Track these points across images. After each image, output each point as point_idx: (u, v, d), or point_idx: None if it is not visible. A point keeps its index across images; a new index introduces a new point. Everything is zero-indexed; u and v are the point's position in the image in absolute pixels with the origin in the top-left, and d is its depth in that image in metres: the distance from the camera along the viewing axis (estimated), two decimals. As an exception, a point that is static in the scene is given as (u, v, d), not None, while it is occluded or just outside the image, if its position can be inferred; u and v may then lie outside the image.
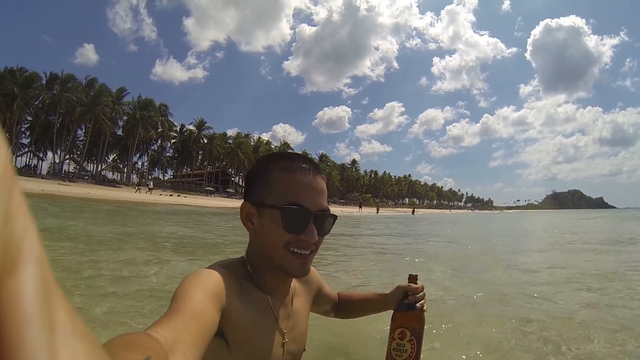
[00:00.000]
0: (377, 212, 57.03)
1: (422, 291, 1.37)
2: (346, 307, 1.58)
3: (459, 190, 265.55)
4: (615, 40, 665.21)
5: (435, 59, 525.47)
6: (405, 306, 1.35)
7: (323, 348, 2.85)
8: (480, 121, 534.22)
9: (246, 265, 1.12)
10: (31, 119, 67.85)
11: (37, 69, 72.77)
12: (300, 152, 1.22)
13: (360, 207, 66.13)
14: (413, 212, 69.54)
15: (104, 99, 66.87)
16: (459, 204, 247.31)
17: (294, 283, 1.25)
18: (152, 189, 52.15)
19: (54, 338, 0.27)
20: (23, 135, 69.55)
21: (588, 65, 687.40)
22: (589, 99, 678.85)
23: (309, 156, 1.16)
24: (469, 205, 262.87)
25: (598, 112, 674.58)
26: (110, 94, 69.16)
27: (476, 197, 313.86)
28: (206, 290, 0.88)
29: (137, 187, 53.06)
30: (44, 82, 65.16)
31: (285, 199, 1.03)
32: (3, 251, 0.25)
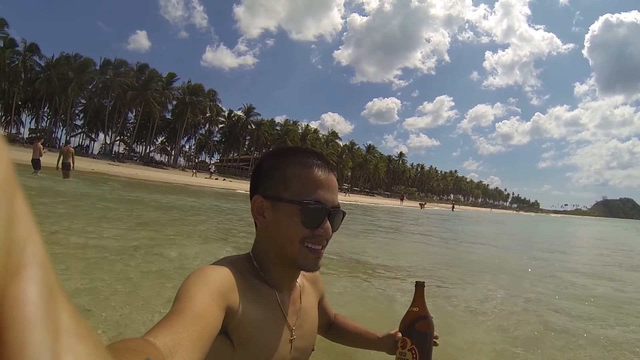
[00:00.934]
0: (422, 208, 54.28)
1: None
2: (338, 331, 1.49)
3: (505, 189, 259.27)
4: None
5: (488, 53, 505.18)
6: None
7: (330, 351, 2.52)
8: (531, 119, 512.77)
9: (252, 261, 1.10)
10: (85, 102, 70.81)
11: (92, 55, 75.57)
12: (315, 149, 1.18)
13: (401, 199, 64.46)
14: (452, 208, 67.74)
15: (154, 84, 68.97)
16: (504, 203, 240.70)
17: (302, 281, 1.24)
18: (213, 173, 52.16)
19: (57, 341, 0.27)
20: (77, 117, 73.22)
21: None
22: None
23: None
24: (515, 205, 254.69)
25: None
26: (161, 79, 71.15)
27: (522, 197, 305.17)
28: (209, 288, 0.87)
29: (194, 171, 52.72)
30: (97, 67, 67.69)
31: (304, 194, 1.03)
32: (6, 255, 0.25)
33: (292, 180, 1.04)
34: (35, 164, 16.03)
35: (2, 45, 59.35)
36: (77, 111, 71.77)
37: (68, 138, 67.56)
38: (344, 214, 1.11)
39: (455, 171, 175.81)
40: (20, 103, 66.55)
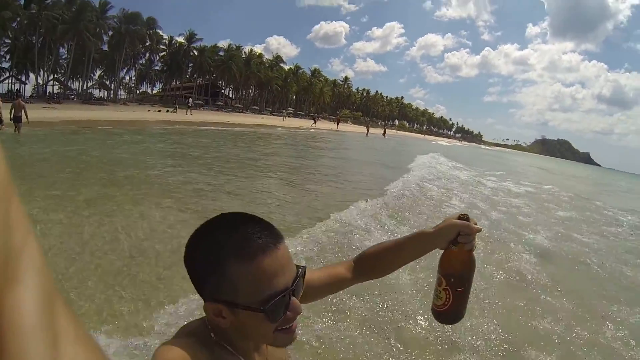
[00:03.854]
0: (367, 134, 54.90)
1: (476, 232, 1.14)
2: (370, 263, 1.27)
3: (450, 119, 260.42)
4: (636, 1, 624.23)
5: None
6: (449, 248, 1.16)
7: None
8: (481, 54, 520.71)
9: (209, 332, 0.95)
10: (10, 42, 65.05)
11: None
12: (247, 216, 0.94)
13: (337, 123, 63.13)
14: (384, 133, 64.81)
15: (87, 14, 64.04)
16: (449, 132, 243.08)
17: None
18: (191, 107, 50.13)
19: (56, 347, 0.27)
20: (3, 60, 67.30)
21: (602, 19, 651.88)
22: (596, 53, 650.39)
23: (247, 218, 0.92)
24: (458, 135, 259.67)
25: (602, 68, 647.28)
26: (94, 8, 66.14)
27: (466, 128, 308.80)
28: None
29: (174, 107, 51.74)
30: (21, 2, 62.16)
31: (259, 295, 0.87)
32: (3, 262, 0.25)
33: (239, 283, 0.88)
34: None
35: None
36: (2, 53, 65.87)
37: None
38: (304, 272, 0.97)
39: (402, 97, 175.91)
40: None
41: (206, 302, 0.91)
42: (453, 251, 1.14)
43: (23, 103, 17.27)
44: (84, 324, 0.31)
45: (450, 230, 1.14)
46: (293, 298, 0.92)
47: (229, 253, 0.87)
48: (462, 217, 1.14)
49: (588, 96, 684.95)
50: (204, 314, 0.96)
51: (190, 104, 52.07)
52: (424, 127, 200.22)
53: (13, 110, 16.55)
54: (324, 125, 61.54)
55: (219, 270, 0.87)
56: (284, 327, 0.92)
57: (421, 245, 1.19)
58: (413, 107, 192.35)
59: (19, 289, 0.26)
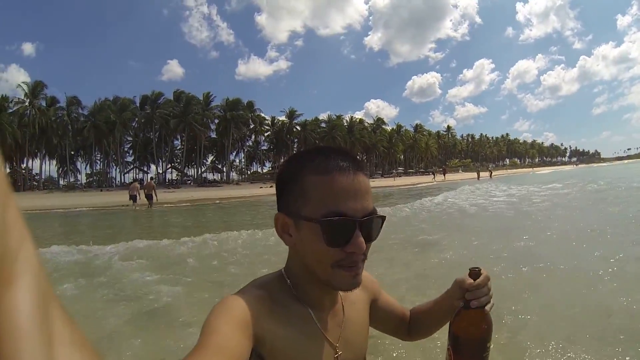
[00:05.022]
0: (479, 177, 50.34)
1: (485, 287, 1.05)
2: (418, 321, 1.27)
3: (562, 144, 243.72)
4: None
5: (519, 5, 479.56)
6: (457, 308, 1.07)
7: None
8: (577, 65, 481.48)
9: (285, 280, 1.00)
10: (131, 139, 74.09)
11: (130, 94, 78.14)
12: (338, 147, 0.99)
13: (435, 175, 59.26)
14: (490, 175, 56.06)
15: (193, 107, 70.44)
16: (563, 159, 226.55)
17: None
18: None
19: (51, 349, 0.27)
20: (127, 154, 76.46)
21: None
22: None
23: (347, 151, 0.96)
24: (574, 159, 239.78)
25: None
26: (199, 101, 72.51)
27: (581, 149, 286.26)
28: (233, 319, 0.83)
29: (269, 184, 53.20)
30: (137, 104, 70.85)
31: (324, 209, 0.88)
32: None
33: (311, 192, 0.90)
34: (134, 198, 21.69)
35: (45, 105, 63.84)
36: (126, 149, 74.98)
37: (122, 175, 73.46)
38: (382, 219, 0.96)
39: (507, 134, 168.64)
40: (72, 153, 70.48)
41: (277, 213, 0.96)
42: (460, 312, 1.04)
43: (153, 184, 22.45)
44: (79, 327, 0.32)
45: (455, 290, 1.08)
46: (359, 234, 0.89)
47: (310, 165, 0.92)
48: (473, 271, 1.06)
49: None
50: None
51: None
52: (536, 160, 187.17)
53: (145, 190, 21.19)
54: (437, 178, 57.95)
55: (297, 179, 0.92)
56: (344, 264, 0.91)
57: (443, 310, 1.15)
58: (520, 141, 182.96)
59: (14, 291, 0.26)
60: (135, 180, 39.53)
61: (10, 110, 61.38)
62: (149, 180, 25.39)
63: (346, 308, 1.06)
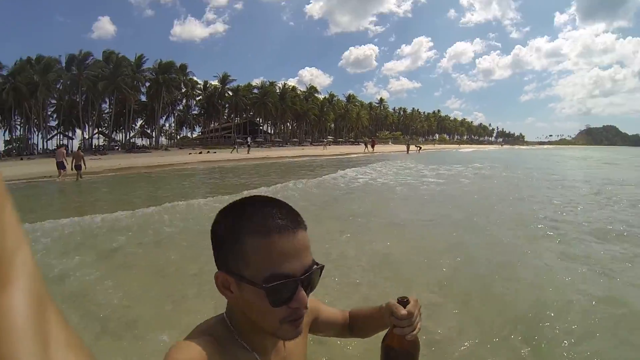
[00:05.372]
0: (408, 151, 53.69)
1: (412, 317, 1.11)
2: (356, 325, 1.40)
3: (490, 125, 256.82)
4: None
5: None
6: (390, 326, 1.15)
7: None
8: (512, 53, 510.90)
9: (228, 325, 1.00)
10: (55, 102, 69.60)
11: (57, 52, 73.75)
12: (274, 197, 0.99)
13: (367, 146, 60.37)
14: (419, 150, 60.03)
15: (124, 69, 67.51)
16: (490, 139, 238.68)
17: None
18: (250, 145, 51.73)
19: (47, 351, 0.27)
20: (50, 119, 71.76)
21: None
22: (630, 28, 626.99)
23: (285, 204, 0.97)
24: (500, 140, 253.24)
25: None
26: (130, 63, 69.56)
27: (507, 132, 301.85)
28: None
29: (234, 147, 53.09)
30: (62, 65, 66.57)
31: (266, 272, 0.89)
32: None
33: (251, 255, 0.89)
34: (60, 165, 20.01)
35: None
36: (49, 112, 70.38)
37: (45, 141, 68.56)
38: (321, 269, 0.97)
39: (439, 111, 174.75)
40: None
41: (217, 271, 0.95)
42: (391, 331, 1.12)
43: (82, 153, 21.08)
44: (75, 330, 0.32)
45: (386, 313, 1.15)
46: (301, 290, 0.91)
47: (249, 226, 0.90)
48: (401, 300, 1.13)
49: (629, 75, 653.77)
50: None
51: (249, 143, 53.71)
52: (464, 137, 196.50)
53: (74, 160, 19.88)
54: (362, 149, 59.78)
55: (236, 239, 0.91)
56: (287, 319, 0.92)
57: (377, 323, 1.26)
58: (451, 118, 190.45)
59: (10, 293, 0.26)
60: (61, 145, 37.74)
61: None
62: (77, 150, 24.09)
63: (287, 343, 1.10)
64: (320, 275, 0.99)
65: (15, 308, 0.26)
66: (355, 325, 1.39)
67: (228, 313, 1.02)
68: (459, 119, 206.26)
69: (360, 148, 63.97)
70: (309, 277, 0.93)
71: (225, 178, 19.54)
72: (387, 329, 1.15)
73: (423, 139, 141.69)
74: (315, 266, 0.95)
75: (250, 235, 0.89)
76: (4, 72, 62.70)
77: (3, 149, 66.88)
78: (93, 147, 68.68)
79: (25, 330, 0.26)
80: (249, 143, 53.96)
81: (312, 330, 1.30)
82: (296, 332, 0.95)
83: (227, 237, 0.93)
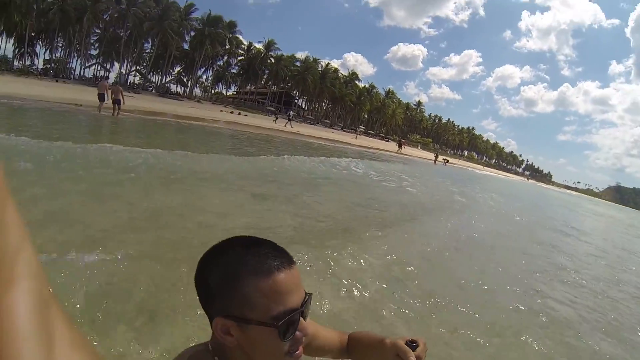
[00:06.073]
0: (435, 161, 51.62)
1: None
2: (354, 350, 1.36)
3: (520, 155, 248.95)
4: None
5: (525, 13, 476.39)
6: None
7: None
8: (559, 90, 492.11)
9: (212, 357, 0.99)
10: (99, 32, 70.19)
11: None
12: (264, 239, 0.99)
13: (400, 146, 57.35)
14: (446, 162, 57.63)
15: (172, 14, 67.99)
16: (518, 169, 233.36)
17: None
18: (291, 119, 50.30)
19: (51, 351, 0.27)
20: (92, 47, 72.39)
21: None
22: None
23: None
24: (527, 173, 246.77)
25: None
26: (178, 9, 69.87)
27: (536, 166, 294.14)
28: None
29: (275, 116, 52.77)
30: None
31: (274, 310, 0.91)
32: None
33: (255, 298, 0.90)
34: (101, 97, 20.14)
35: None
36: (91, 41, 71.02)
37: (83, 68, 70.24)
38: (310, 298, 1.00)
39: (473, 128, 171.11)
40: (33, 34, 65.47)
41: (216, 318, 0.92)
42: None
43: (121, 89, 20.89)
44: (79, 329, 0.32)
45: (389, 352, 1.16)
46: (301, 319, 0.95)
47: (246, 269, 0.90)
48: (410, 343, 1.14)
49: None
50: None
51: (290, 117, 51.69)
52: (493, 161, 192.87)
53: (113, 94, 19.90)
54: (392, 147, 58.31)
55: (235, 285, 0.90)
56: (291, 351, 0.95)
57: (379, 356, 1.21)
58: (483, 139, 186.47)
59: (14, 293, 0.26)
60: (104, 78, 38.10)
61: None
62: (116, 84, 24.63)
63: None
64: (310, 302, 1.00)
65: (19, 308, 0.26)
66: (353, 350, 1.35)
67: (214, 345, 0.99)
68: (492, 141, 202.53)
69: (391, 145, 62.59)
70: (306, 306, 0.96)
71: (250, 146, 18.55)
72: None
73: (452, 152, 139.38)
74: (307, 295, 0.98)
75: (252, 278, 0.90)
76: (54, -7, 63.11)
77: (41, 67, 68.57)
78: (128, 83, 69.12)
79: (29, 331, 0.26)
80: (290, 116, 51.88)
81: (307, 352, 1.23)
82: None
83: (223, 284, 0.92)
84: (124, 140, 10.70)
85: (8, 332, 0.25)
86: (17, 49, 66.32)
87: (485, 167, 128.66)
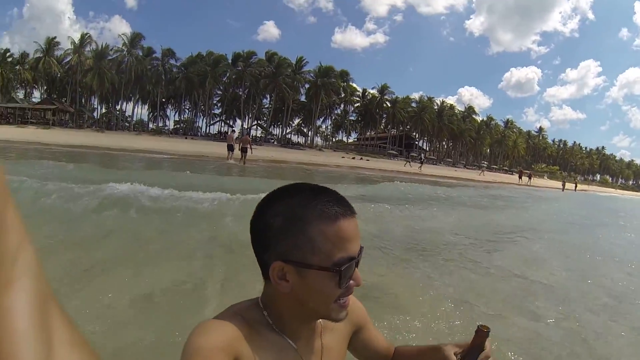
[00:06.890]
0: (563, 189, 46.89)
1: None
2: None
3: None
4: None
5: (638, 5, 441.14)
6: None
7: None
8: None
9: (262, 310, 0.99)
10: (221, 93, 78.02)
11: (227, 50, 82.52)
12: (328, 188, 0.98)
13: (522, 177, 52.60)
14: (575, 188, 53.46)
15: (284, 69, 72.60)
16: None
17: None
18: (422, 162, 49.56)
19: (51, 351, 0.27)
20: (215, 107, 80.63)
21: None
22: None
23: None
24: None
25: None
26: (290, 64, 74.12)
27: None
28: (214, 344, 0.84)
29: (407, 162, 51.32)
30: (229, 61, 73.84)
31: (336, 256, 0.90)
32: None
33: (319, 242, 0.90)
34: (230, 147, 22.13)
35: (142, 54, 69.81)
36: (214, 101, 78.86)
37: (208, 126, 78.93)
38: (362, 249, 0.98)
39: (603, 148, 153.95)
40: (163, 100, 76.03)
41: (274, 262, 0.92)
42: None
43: (249, 139, 22.96)
44: (79, 329, 0.32)
45: (448, 351, 1.07)
46: (356, 269, 0.95)
47: (313, 213, 0.90)
48: (482, 328, 1.00)
49: None
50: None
51: (422, 160, 51.45)
52: (630, 182, 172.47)
53: (241, 144, 21.56)
54: (522, 180, 53.77)
55: (301, 228, 0.90)
56: (342, 301, 0.95)
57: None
58: (616, 158, 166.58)
59: (13, 292, 0.26)
60: (232, 131, 40.27)
61: (110, 57, 67.76)
62: (245, 135, 26.23)
63: (324, 335, 1.07)
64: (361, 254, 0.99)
65: (18, 308, 0.26)
66: None
67: (265, 300, 1.00)
68: (626, 159, 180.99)
69: (514, 178, 58.12)
70: (360, 258, 0.96)
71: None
72: None
73: (582, 178, 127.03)
74: (361, 247, 0.98)
75: (318, 222, 0.89)
76: (178, 63, 73.45)
77: (172, 127, 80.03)
78: (251, 137, 71.93)
79: (28, 330, 0.26)
80: (422, 159, 51.23)
81: (352, 344, 1.20)
82: (345, 313, 0.97)
83: (288, 226, 0.91)
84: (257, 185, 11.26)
85: (8, 331, 0.25)
86: (151, 113, 79.07)
87: (621, 191, 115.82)
